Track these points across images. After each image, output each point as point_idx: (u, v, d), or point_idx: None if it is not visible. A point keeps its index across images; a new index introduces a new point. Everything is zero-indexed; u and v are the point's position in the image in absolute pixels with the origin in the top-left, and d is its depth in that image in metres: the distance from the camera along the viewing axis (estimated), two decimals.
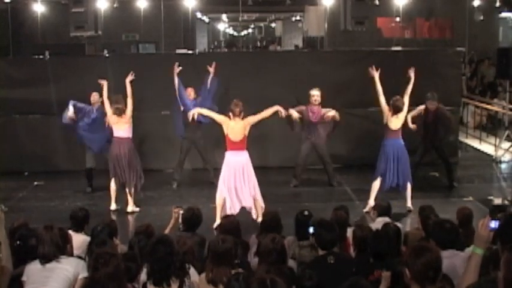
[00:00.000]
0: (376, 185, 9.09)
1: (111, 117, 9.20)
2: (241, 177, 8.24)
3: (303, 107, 10.28)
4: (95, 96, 10.16)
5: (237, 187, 8.23)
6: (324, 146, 10.47)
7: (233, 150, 8.25)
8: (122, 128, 9.13)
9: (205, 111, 8.75)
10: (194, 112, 8.83)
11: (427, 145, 10.13)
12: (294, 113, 9.99)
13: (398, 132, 9.03)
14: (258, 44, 34.75)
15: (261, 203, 8.37)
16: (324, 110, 10.26)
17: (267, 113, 8.44)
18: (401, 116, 9.01)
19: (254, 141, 11.15)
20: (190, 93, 10.25)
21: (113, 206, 9.25)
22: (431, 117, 9.96)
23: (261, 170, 11.25)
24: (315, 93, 10.16)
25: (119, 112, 9.10)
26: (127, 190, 9.19)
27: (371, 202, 8.87)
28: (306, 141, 10.44)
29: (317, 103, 10.17)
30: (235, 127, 8.19)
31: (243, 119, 8.23)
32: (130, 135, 9.22)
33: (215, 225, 7.88)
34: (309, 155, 10.56)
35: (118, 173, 9.13)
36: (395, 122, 8.95)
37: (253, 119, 8.31)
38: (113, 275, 3.89)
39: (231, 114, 8.23)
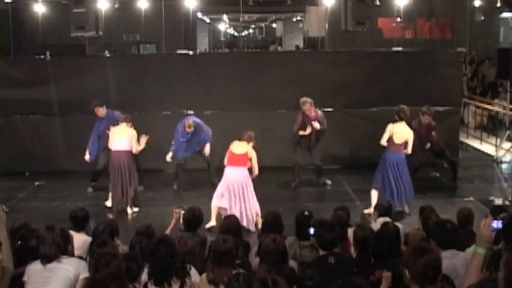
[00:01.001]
0: (374, 193, 8.98)
1: (114, 130, 9.19)
2: (239, 196, 8.22)
3: (299, 114, 10.19)
4: (100, 110, 10.09)
5: (237, 205, 8.20)
6: (317, 149, 10.38)
7: (232, 166, 8.29)
8: (122, 140, 9.11)
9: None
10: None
11: (426, 154, 10.06)
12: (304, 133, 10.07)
13: (401, 147, 8.82)
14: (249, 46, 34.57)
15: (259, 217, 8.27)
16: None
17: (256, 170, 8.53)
18: (406, 134, 8.80)
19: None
20: (189, 126, 10.03)
21: (109, 203, 9.34)
22: (424, 131, 9.73)
23: (262, 170, 11.29)
24: (305, 108, 10.00)
25: (128, 120, 9.13)
26: (127, 200, 9.23)
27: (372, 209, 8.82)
28: (302, 146, 10.37)
29: (310, 112, 10.04)
30: (239, 145, 8.34)
31: (252, 146, 8.38)
32: (130, 148, 9.19)
33: (208, 225, 7.88)
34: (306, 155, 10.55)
35: (118, 185, 9.12)
36: (399, 135, 8.75)
37: (253, 157, 8.40)
38: (114, 275, 3.89)
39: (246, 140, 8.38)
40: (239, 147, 8.34)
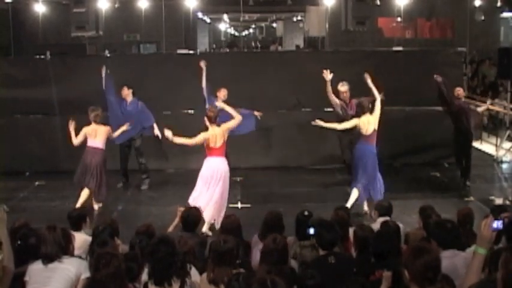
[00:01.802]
0: (355, 192, 8.83)
1: (87, 129, 9.17)
2: (216, 184, 8.07)
3: (338, 102, 9.89)
4: (125, 90, 10.30)
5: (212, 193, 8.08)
6: None
7: (213, 156, 8.06)
8: (98, 138, 9.16)
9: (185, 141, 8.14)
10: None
11: (458, 144, 10.29)
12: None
13: (369, 138, 8.68)
14: (253, 44, 34.66)
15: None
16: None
17: (238, 117, 8.20)
18: (372, 120, 8.66)
19: (255, 141, 11.20)
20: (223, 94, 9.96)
21: (96, 206, 9.36)
22: (456, 109, 10.07)
23: (262, 170, 11.30)
24: (343, 90, 9.81)
25: (99, 119, 9.13)
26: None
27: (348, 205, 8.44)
28: (345, 139, 10.11)
29: (347, 99, 9.84)
30: (214, 135, 7.99)
31: (219, 125, 8.06)
32: (104, 147, 9.27)
33: (204, 229, 7.64)
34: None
35: (86, 180, 9.17)
36: (366, 127, 8.67)
37: (229, 125, 8.11)
38: (114, 275, 3.89)
39: (207, 121, 8.00)
40: (215, 138, 7.98)
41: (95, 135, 9.17)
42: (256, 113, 9.81)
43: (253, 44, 34.13)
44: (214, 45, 32.48)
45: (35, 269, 4.51)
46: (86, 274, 4.50)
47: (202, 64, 9.86)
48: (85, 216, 6.16)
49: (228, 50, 25.17)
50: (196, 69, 11.33)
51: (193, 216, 5.88)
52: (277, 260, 4.57)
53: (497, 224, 3.44)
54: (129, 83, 10.47)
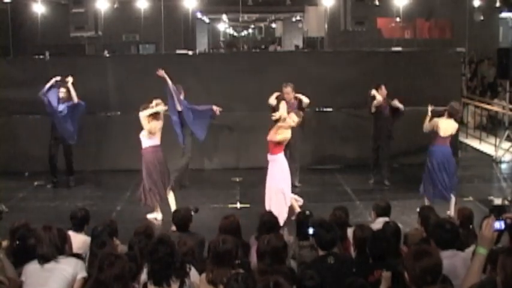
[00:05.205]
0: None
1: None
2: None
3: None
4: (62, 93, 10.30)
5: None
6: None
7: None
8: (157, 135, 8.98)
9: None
10: None
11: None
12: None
13: (447, 140, 8.68)
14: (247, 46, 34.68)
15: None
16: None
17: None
18: (451, 128, 8.65)
19: (254, 141, 11.19)
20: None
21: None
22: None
23: (262, 170, 11.28)
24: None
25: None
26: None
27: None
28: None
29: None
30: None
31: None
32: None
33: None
34: None
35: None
36: (444, 129, 8.60)
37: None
38: (119, 276, 3.89)
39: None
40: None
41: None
42: (214, 107, 9.93)
43: (247, 46, 34.11)
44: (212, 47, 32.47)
45: (32, 269, 4.50)
46: (82, 274, 4.50)
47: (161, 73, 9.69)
48: (88, 217, 6.15)
49: (223, 51, 25.16)
50: (196, 70, 11.36)
51: (183, 217, 6.00)
52: (272, 261, 4.55)
53: (499, 225, 3.43)
54: (131, 85, 10.47)
